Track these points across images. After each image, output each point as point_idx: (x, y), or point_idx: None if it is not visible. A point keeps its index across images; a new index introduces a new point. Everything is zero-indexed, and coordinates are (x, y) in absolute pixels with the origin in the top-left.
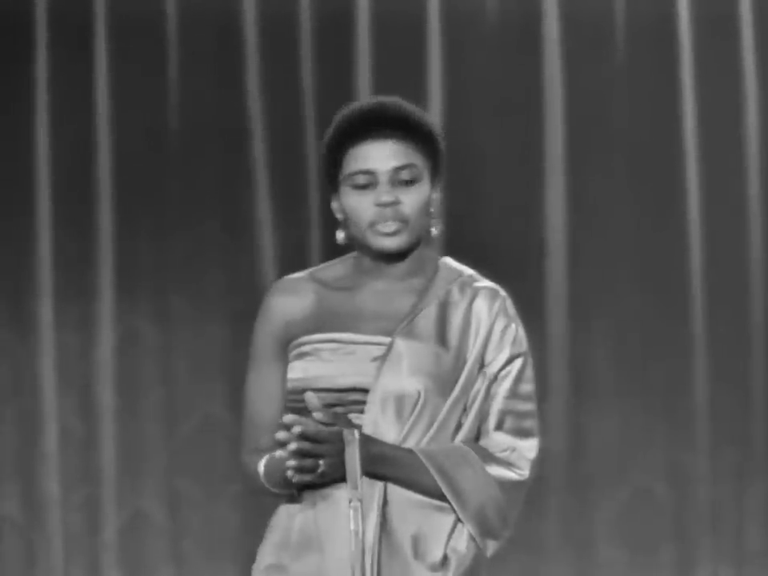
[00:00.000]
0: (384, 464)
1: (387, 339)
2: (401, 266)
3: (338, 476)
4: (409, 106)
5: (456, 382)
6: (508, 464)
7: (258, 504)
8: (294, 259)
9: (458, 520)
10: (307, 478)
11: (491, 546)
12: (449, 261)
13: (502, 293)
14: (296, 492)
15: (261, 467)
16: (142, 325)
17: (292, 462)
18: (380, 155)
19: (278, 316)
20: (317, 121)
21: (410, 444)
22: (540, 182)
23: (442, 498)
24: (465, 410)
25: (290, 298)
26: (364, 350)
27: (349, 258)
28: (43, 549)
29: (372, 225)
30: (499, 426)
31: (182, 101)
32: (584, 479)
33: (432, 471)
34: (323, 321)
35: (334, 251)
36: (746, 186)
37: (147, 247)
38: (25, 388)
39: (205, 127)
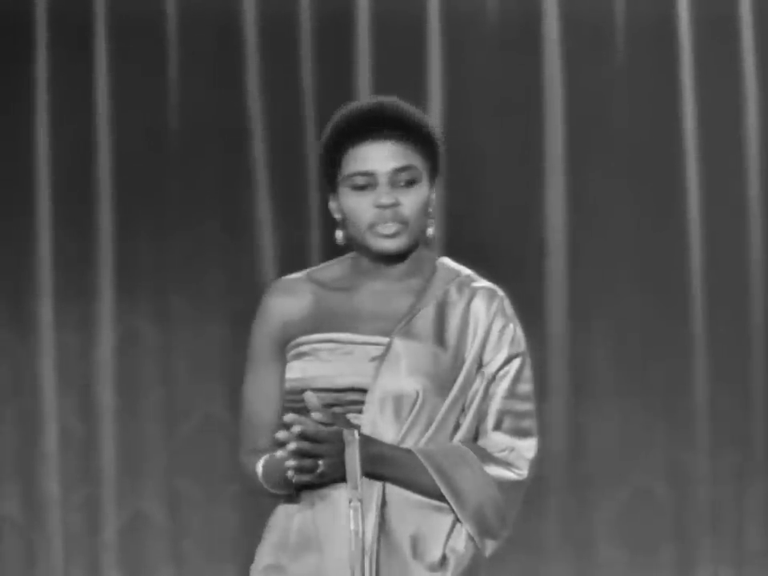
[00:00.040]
0: (383, 464)
1: (385, 339)
2: (399, 267)
3: (337, 476)
4: (407, 107)
5: (454, 382)
6: (507, 464)
7: (258, 504)
8: (294, 259)
9: (457, 520)
10: (306, 478)
11: (490, 546)
12: (446, 261)
13: (500, 293)
14: (294, 492)
15: (259, 467)
16: (141, 325)
17: (291, 462)
18: (379, 156)
19: (276, 317)
20: (317, 121)
21: (408, 444)
22: (540, 182)
23: (441, 498)
24: (463, 410)
25: (287, 299)
26: (362, 350)
27: (346, 259)
28: (43, 549)
29: (372, 226)
30: (497, 426)
31: (182, 101)
32: (584, 479)
33: (431, 471)
34: (321, 321)
35: (333, 251)
36: (745, 186)
37: (147, 247)
38: (25, 388)
39: (205, 127)
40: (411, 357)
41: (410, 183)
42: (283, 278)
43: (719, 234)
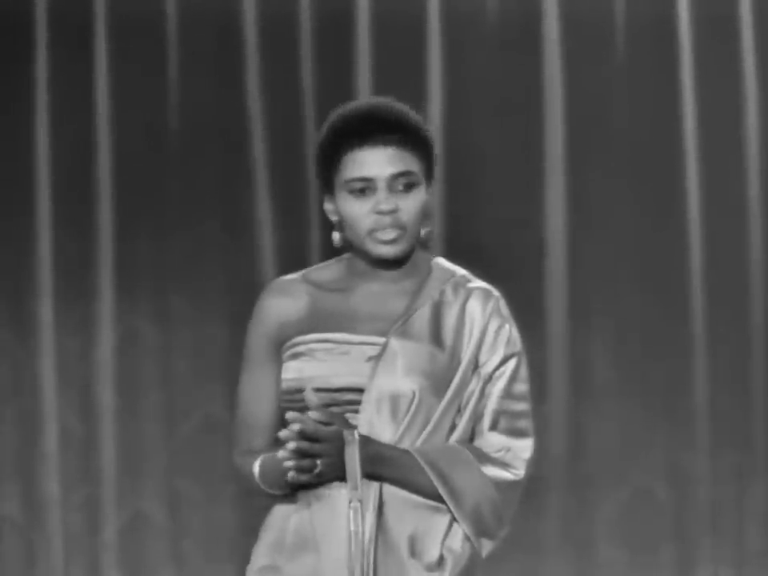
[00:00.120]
0: (382, 464)
1: (382, 339)
2: (395, 270)
3: (334, 476)
4: (404, 109)
5: (450, 382)
6: (503, 464)
7: (258, 504)
8: (293, 259)
9: (454, 520)
10: (304, 477)
11: (486, 546)
12: (441, 261)
13: (495, 293)
14: (291, 492)
15: (256, 468)
16: (141, 325)
17: (290, 463)
18: (378, 162)
19: (272, 317)
20: (317, 121)
21: (405, 444)
22: (540, 182)
23: (438, 498)
24: (459, 411)
25: (283, 300)
26: (359, 350)
27: (342, 260)
28: (43, 549)
29: (371, 232)
30: (494, 427)
31: (182, 101)
32: (584, 479)
33: (428, 471)
34: (317, 322)
35: (333, 251)
36: (745, 186)
37: (147, 247)
38: (25, 388)
39: (205, 127)
40: (408, 356)
41: (409, 188)
42: (279, 278)
43: (719, 234)
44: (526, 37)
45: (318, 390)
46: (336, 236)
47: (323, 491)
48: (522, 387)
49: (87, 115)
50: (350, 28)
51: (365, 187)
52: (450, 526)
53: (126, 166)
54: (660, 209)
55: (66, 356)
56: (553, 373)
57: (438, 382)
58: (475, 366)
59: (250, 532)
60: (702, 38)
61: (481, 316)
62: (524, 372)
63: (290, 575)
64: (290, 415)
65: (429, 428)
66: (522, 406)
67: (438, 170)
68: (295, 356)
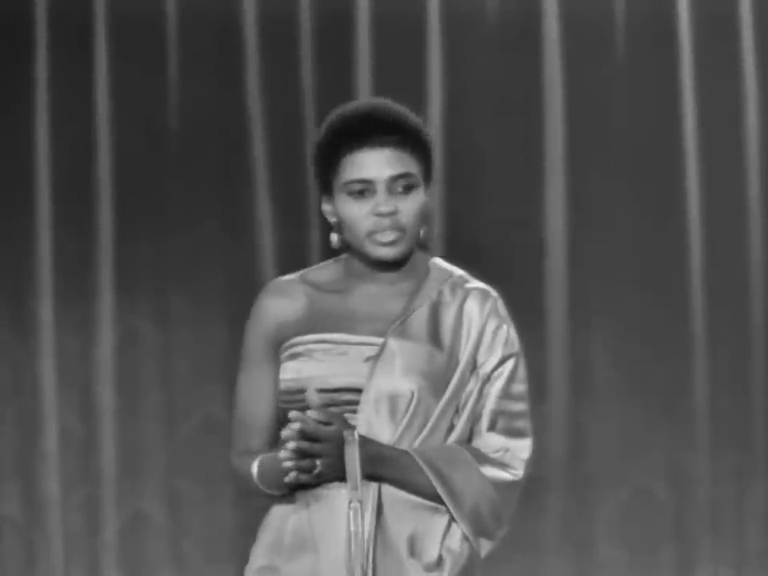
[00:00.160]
0: (382, 465)
1: (380, 340)
2: (394, 271)
3: (334, 477)
4: (402, 110)
5: (448, 382)
6: (502, 465)
7: (257, 505)
8: (293, 259)
9: (452, 520)
10: (304, 478)
11: (485, 546)
12: (439, 261)
13: (493, 293)
14: (289, 493)
15: (254, 468)
16: (141, 325)
17: (289, 463)
18: (377, 163)
19: (270, 318)
20: (317, 121)
21: (403, 445)
22: (540, 182)
23: (437, 498)
24: (457, 412)
25: (281, 300)
26: (357, 350)
27: (340, 261)
28: (43, 549)
29: (370, 234)
30: (492, 427)
31: (182, 101)
32: (584, 479)
33: (427, 472)
34: (315, 322)
35: (333, 252)
36: (745, 186)
37: (147, 247)
38: (25, 388)
39: (205, 127)
40: (406, 357)
41: (408, 190)
42: (276, 279)
43: (719, 234)
44: (525, 37)
45: (317, 390)
46: (334, 237)
47: (322, 491)
48: (520, 387)
49: (87, 115)
50: (350, 28)
51: (364, 189)
52: (449, 526)
53: (126, 166)
54: (660, 209)
55: (66, 356)
56: (553, 373)
57: (436, 382)
58: (473, 366)
59: (250, 532)
60: (702, 38)
61: (479, 316)
62: (522, 372)
63: (288, 575)
64: (292, 414)
65: (427, 428)
66: (521, 407)
67: (438, 170)
68: (293, 356)
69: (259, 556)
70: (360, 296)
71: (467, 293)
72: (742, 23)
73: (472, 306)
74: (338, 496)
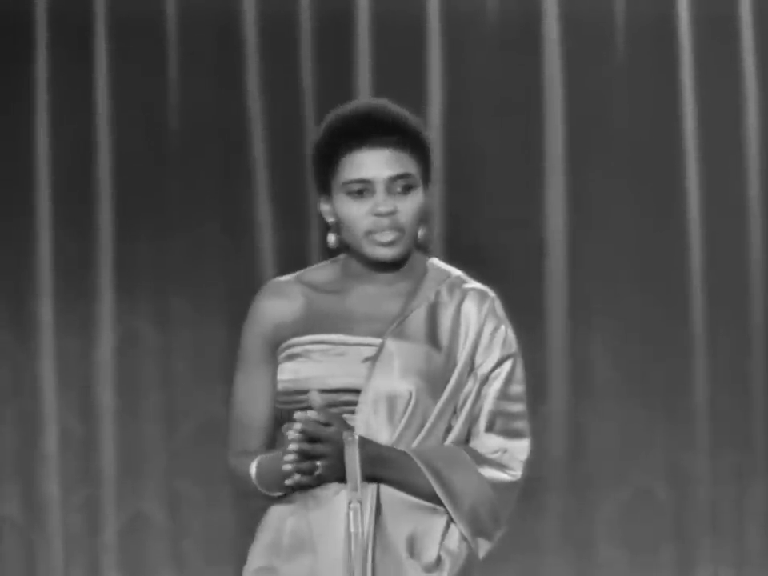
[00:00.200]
0: (381, 466)
1: (378, 340)
2: (392, 271)
3: (334, 478)
4: (401, 111)
5: (447, 383)
6: (500, 465)
7: (257, 505)
8: (293, 260)
9: (451, 521)
10: (304, 479)
11: (484, 546)
12: (436, 262)
13: (491, 294)
14: (288, 493)
15: (253, 469)
16: (141, 326)
17: (289, 466)
18: (376, 163)
19: (268, 319)
20: (317, 121)
21: (401, 445)
22: (540, 182)
23: (435, 499)
24: (455, 413)
25: (279, 301)
26: (355, 350)
27: (337, 261)
28: (43, 550)
29: (369, 234)
30: (490, 428)
31: (182, 101)
32: (584, 479)
33: (426, 472)
34: (313, 323)
35: (333, 253)
36: (745, 186)
37: (147, 248)
38: (25, 389)
39: (205, 127)
40: (404, 357)
41: (407, 190)
42: (274, 280)
43: (719, 234)
44: (525, 37)
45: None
46: (332, 237)
47: (320, 492)
48: (517, 388)
49: (87, 115)
50: (350, 28)
51: (363, 189)
52: (448, 526)
53: (125, 166)
54: (660, 209)
55: (66, 357)
56: (553, 373)
57: (434, 382)
58: (471, 367)
59: (250, 533)
60: (702, 38)
61: (476, 317)
62: (520, 373)
63: None
64: (298, 415)
65: (425, 429)
66: (518, 407)
67: (438, 170)
68: (291, 357)
69: (257, 556)
70: (358, 296)
71: (465, 293)
72: (741, 23)
73: (470, 307)
74: (336, 497)
